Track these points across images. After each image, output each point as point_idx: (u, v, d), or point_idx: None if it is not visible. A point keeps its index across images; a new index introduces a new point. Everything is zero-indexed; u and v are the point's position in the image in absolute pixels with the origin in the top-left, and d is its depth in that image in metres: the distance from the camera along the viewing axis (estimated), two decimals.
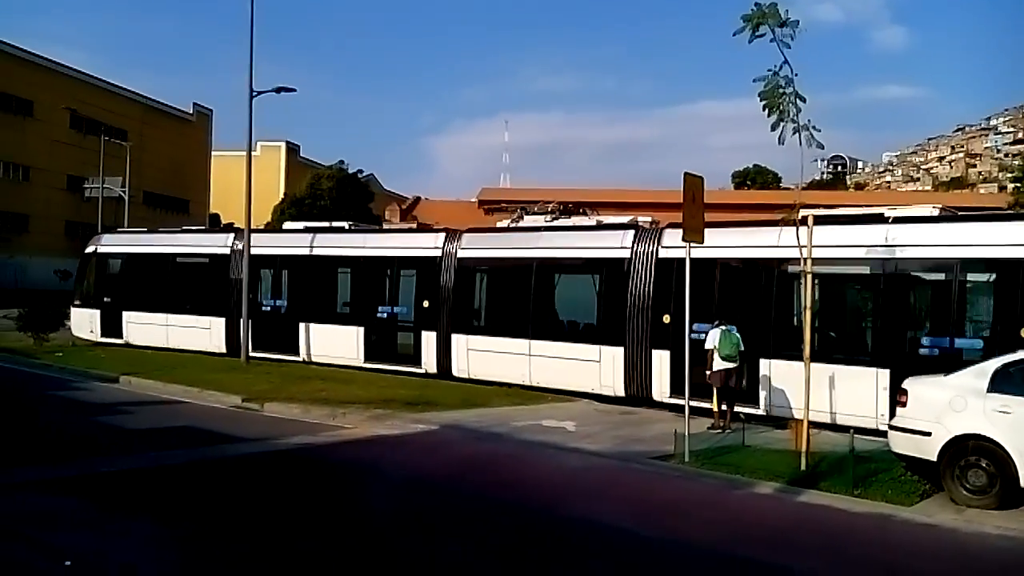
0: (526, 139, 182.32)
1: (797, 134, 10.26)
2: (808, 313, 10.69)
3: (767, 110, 10.35)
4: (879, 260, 13.26)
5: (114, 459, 10.08)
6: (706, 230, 11.79)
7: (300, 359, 21.22)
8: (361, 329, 20.28)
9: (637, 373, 16.00)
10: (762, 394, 14.27)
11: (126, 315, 24.45)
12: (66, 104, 56.15)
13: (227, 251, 22.98)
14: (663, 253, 15.80)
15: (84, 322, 25.28)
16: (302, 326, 21.33)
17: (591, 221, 19.38)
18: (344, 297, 21.36)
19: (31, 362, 20.43)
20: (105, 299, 25.08)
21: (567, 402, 16.14)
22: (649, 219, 17.86)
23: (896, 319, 13.56)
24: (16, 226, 52.78)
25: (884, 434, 10.33)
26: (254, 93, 22.26)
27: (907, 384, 9.90)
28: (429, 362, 19.14)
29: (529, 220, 20.01)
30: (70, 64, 63.51)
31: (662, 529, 7.91)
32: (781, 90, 10.26)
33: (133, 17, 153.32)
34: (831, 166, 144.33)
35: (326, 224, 23.68)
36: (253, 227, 22.52)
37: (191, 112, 76.51)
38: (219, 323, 22.72)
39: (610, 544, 7.32)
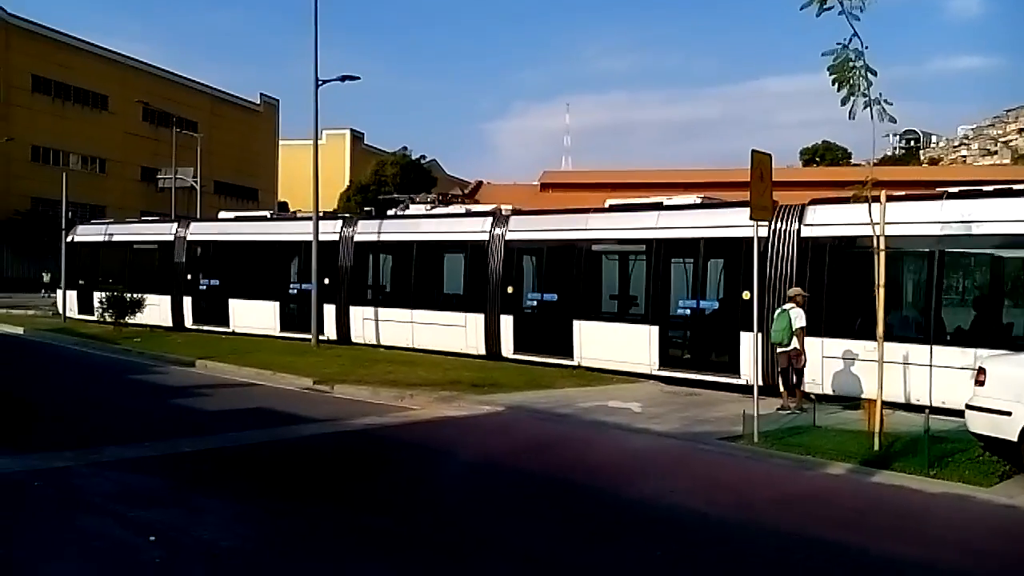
0: (588, 121, 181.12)
1: (868, 108, 9.95)
2: (881, 292, 10.44)
3: (836, 84, 10.07)
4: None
5: (194, 439, 10.45)
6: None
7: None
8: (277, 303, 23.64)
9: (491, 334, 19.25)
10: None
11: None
12: (139, 97, 58.01)
13: (171, 238, 26.43)
14: (509, 236, 19.04)
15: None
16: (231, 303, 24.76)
17: (461, 209, 22.93)
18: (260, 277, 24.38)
19: (112, 347, 21.22)
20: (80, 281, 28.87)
21: (633, 383, 16.10)
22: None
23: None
24: (94, 216, 54.82)
25: (959, 414, 10.05)
26: (320, 82, 22.65)
27: (986, 363, 9.60)
28: (330, 331, 22.32)
29: (413, 208, 23.56)
30: (142, 59, 65.34)
31: (731, 509, 7.86)
32: (851, 63, 9.96)
33: (202, 10, 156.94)
34: (904, 141, 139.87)
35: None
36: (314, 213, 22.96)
37: (258, 103, 78.15)
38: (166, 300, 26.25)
39: (678, 524, 7.31)
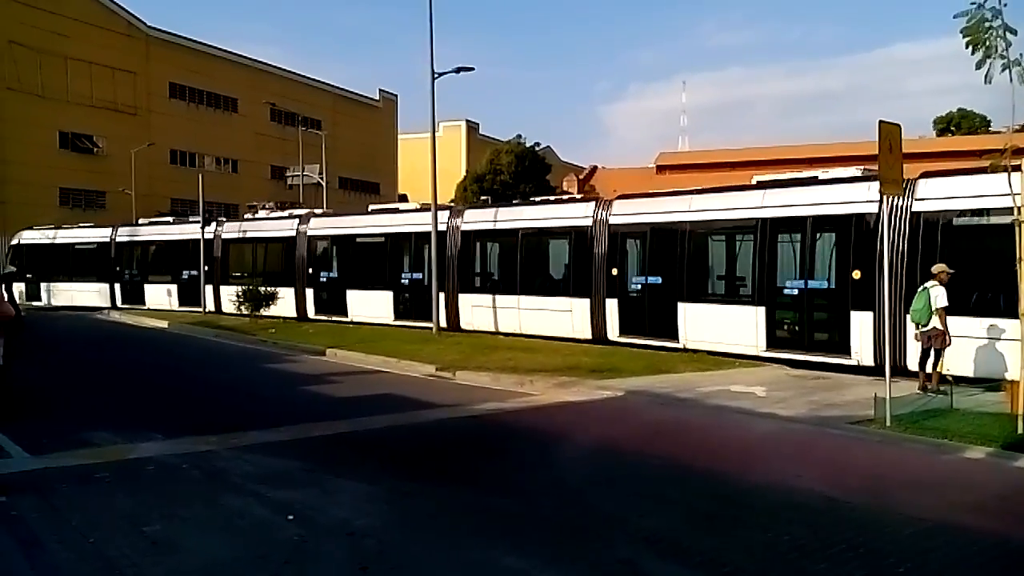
0: (705, 99, 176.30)
1: (1007, 71, 9.39)
2: (1023, 266, 9.81)
3: (971, 47, 9.54)
4: None
5: (326, 423, 10.92)
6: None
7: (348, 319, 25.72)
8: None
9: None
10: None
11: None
12: (267, 99, 60.70)
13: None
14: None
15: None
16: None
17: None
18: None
19: (248, 338, 22.38)
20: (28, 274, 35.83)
21: (756, 367, 15.77)
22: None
23: None
24: (228, 216, 57.90)
25: None
26: (436, 75, 23.05)
27: None
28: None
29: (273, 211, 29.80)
30: (268, 61, 68.14)
31: (862, 494, 7.60)
32: (987, 24, 9.42)
33: (325, 10, 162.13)
34: None
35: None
36: (426, 203, 23.48)
37: (377, 98, 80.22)
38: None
39: (806, 509, 7.13)
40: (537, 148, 61.24)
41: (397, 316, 24.51)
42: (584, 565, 5.80)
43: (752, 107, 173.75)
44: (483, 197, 30.79)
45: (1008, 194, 10.64)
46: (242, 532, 6.46)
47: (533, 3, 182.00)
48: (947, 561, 5.92)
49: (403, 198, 68.37)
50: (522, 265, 21.89)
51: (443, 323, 22.79)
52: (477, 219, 23.17)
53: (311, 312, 26.93)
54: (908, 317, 12.80)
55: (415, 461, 9.20)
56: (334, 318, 26.02)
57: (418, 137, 66.30)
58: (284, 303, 27.19)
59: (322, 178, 52.23)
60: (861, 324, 14.89)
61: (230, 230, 30.48)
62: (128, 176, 50.45)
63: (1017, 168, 9.91)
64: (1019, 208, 9.74)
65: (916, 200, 14.38)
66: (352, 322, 25.42)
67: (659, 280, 18.53)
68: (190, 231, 31.53)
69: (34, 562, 5.87)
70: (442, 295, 22.89)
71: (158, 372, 17.07)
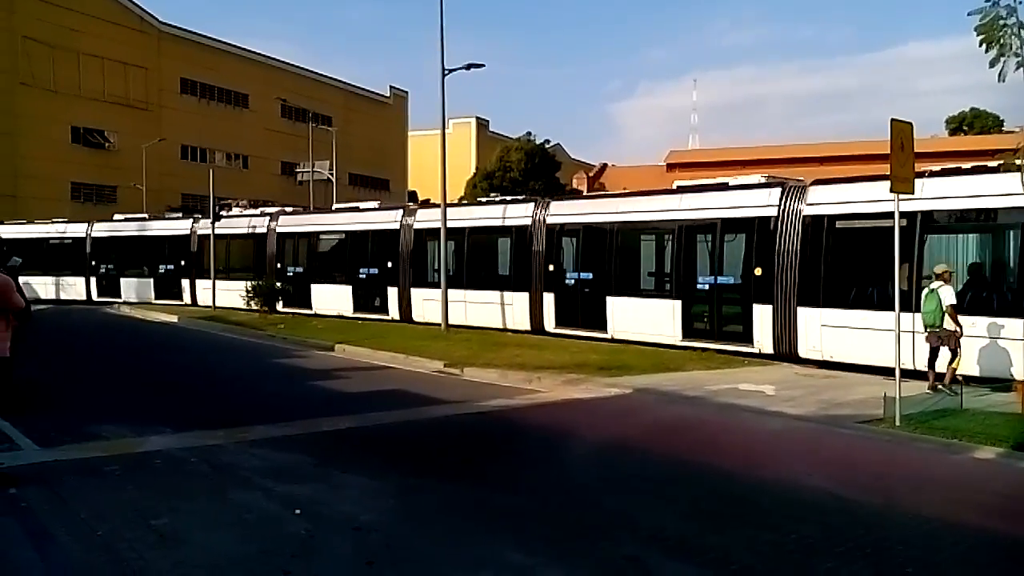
0: (715, 97, 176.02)
1: (1021, 69, 9.31)
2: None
3: (985, 45, 9.45)
4: None
5: (333, 419, 10.93)
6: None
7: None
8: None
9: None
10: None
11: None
12: (277, 95, 60.86)
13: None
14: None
15: None
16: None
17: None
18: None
19: (258, 334, 22.44)
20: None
21: (765, 366, 15.73)
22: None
23: None
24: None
25: None
26: (446, 72, 23.06)
27: None
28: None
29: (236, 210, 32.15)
30: (279, 57, 68.29)
31: (871, 494, 7.57)
32: (1002, 21, 9.30)
33: (337, 7, 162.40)
34: None
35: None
36: (441, 202, 23.48)
37: (388, 95, 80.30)
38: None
39: (815, 507, 7.10)
40: (547, 145, 61.17)
41: (356, 308, 25.92)
42: (590, 562, 5.78)
43: (763, 106, 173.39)
44: (492, 194, 30.86)
45: (884, 200, 12.55)
46: (249, 526, 6.48)
47: (545, 0, 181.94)
48: (955, 561, 5.90)
49: (413, 195, 68.42)
50: (468, 261, 23.40)
51: (396, 315, 24.72)
52: (428, 218, 24.37)
53: (279, 305, 27.81)
54: (920, 319, 12.70)
55: (422, 457, 9.21)
56: (300, 311, 27.07)
57: (428, 134, 66.30)
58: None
59: (332, 174, 52.30)
60: (762, 316, 16.55)
61: (206, 227, 31.48)
62: (139, 171, 50.68)
63: None
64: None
65: (807, 204, 15.93)
66: (316, 314, 26.59)
67: (590, 276, 20.13)
68: (168, 227, 33.65)
69: (43, 553, 5.91)
70: (396, 289, 24.86)
71: (167, 367, 17.14)
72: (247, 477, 7.94)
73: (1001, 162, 10.69)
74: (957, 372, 12.41)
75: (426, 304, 23.89)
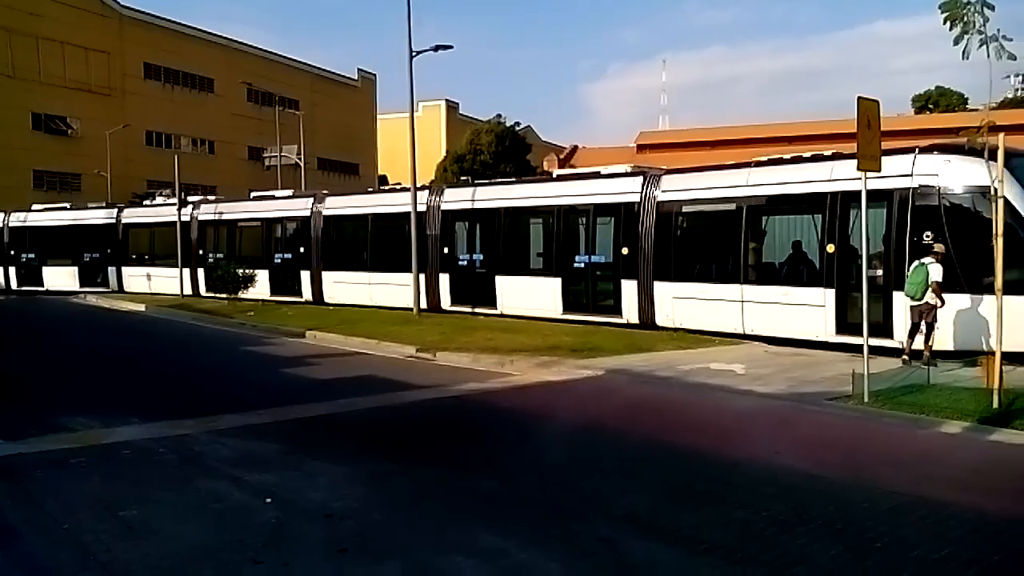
0: (687, 78, 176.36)
1: (984, 47, 9.39)
2: (999, 242, 9.88)
3: (949, 23, 9.52)
4: None
5: (305, 406, 10.85)
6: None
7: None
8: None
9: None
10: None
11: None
12: (243, 79, 59.98)
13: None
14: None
15: None
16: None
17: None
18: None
19: (228, 321, 22.22)
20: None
21: (735, 345, 15.85)
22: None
23: None
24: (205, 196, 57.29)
25: None
26: (414, 53, 22.85)
27: None
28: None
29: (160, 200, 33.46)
30: (244, 40, 67.26)
31: (839, 470, 7.66)
32: None
33: None
34: None
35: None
36: (408, 185, 23.35)
37: (356, 78, 79.46)
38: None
39: (784, 486, 7.16)
40: (517, 128, 60.92)
41: (273, 292, 27.22)
42: (564, 544, 5.78)
43: (735, 86, 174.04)
44: (463, 177, 30.89)
45: (720, 187, 17.05)
46: (219, 516, 6.40)
47: None
48: (924, 535, 5.97)
49: (383, 179, 67.96)
50: (372, 245, 25.08)
51: (309, 297, 26.20)
52: (337, 205, 26.30)
53: (203, 290, 29.58)
54: (905, 291, 13.14)
55: (395, 442, 9.16)
56: (221, 296, 27.66)
57: (397, 117, 65.84)
58: (177, 282, 30.41)
59: (300, 159, 51.76)
60: (628, 290, 18.77)
61: (130, 216, 33.66)
62: (103, 158, 49.78)
63: (995, 151, 9.92)
64: (996, 186, 9.77)
65: (661, 191, 18.17)
66: (238, 298, 27.09)
67: (481, 257, 22.18)
68: (90, 217, 34.55)
69: (6, 549, 5.79)
70: (308, 273, 26.37)
71: (136, 356, 16.92)
72: (216, 467, 7.84)
73: (967, 139, 10.79)
74: (931, 346, 12.74)
75: (336, 286, 25.68)
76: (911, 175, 14.09)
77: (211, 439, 8.93)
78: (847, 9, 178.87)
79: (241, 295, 26.59)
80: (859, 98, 10.55)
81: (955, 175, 13.80)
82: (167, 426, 9.50)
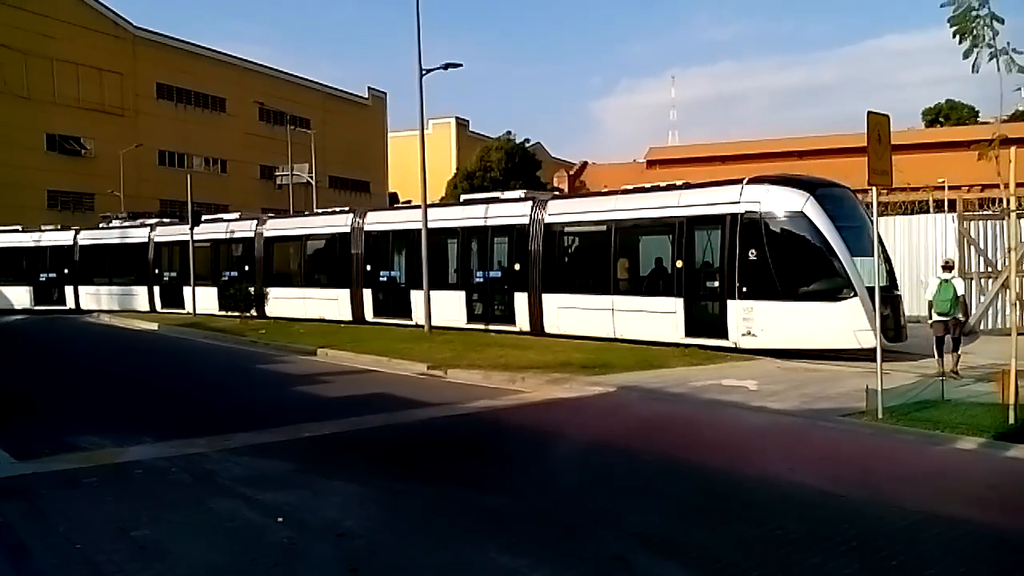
0: (695, 93, 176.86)
1: (994, 60, 9.38)
2: (1013, 256, 9.82)
3: (958, 36, 9.52)
4: None
5: (317, 424, 10.83)
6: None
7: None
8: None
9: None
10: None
11: None
12: (255, 99, 60.39)
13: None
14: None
15: None
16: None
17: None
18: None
19: (240, 339, 22.28)
20: None
21: (748, 361, 15.77)
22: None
23: None
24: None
25: None
26: (424, 71, 22.95)
27: None
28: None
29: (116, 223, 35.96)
30: (256, 60, 67.80)
31: (854, 487, 7.59)
32: (974, 12, 9.39)
33: (310, 9, 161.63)
34: None
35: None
36: (424, 203, 23.47)
37: (367, 96, 79.89)
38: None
39: (799, 502, 7.11)
40: (527, 144, 61.17)
41: (221, 307, 28.79)
42: (577, 563, 5.75)
43: (743, 101, 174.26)
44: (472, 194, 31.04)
45: (592, 211, 20.16)
46: (231, 535, 6.40)
47: (525, 1, 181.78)
48: (940, 552, 5.90)
49: (393, 196, 68.21)
50: (305, 263, 28.09)
51: (253, 312, 28.00)
52: (276, 227, 29.22)
53: (159, 307, 32.42)
54: (932, 308, 13.35)
55: (406, 461, 9.14)
56: (177, 311, 30.74)
57: (408, 135, 66.14)
58: (138, 299, 33.26)
59: (312, 177, 52.04)
60: (521, 302, 21.11)
61: (87, 237, 35.44)
62: (116, 178, 50.15)
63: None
64: (1009, 199, 9.73)
65: (548, 214, 20.73)
66: (191, 312, 29.69)
67: (399, 274, 24.70)
68: (46, 239, 36.11)
69: (20, 569, 5.80)
70: (252, 289, 28.23)
71: (148, 374, 16.97)
72: (229, 485, 7.85)
73: (979, 152, 10.77)
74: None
75: (275, 302, 28.04)
76: (739, 202, 16.60)
77: (223, 458, 8.94)
78: (855, 23, 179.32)
79: (191, 311, 29.41)
80: (869, 113, 10.53)
81: (774, 201, 16.30)
82: (179, 445, 9.51)
